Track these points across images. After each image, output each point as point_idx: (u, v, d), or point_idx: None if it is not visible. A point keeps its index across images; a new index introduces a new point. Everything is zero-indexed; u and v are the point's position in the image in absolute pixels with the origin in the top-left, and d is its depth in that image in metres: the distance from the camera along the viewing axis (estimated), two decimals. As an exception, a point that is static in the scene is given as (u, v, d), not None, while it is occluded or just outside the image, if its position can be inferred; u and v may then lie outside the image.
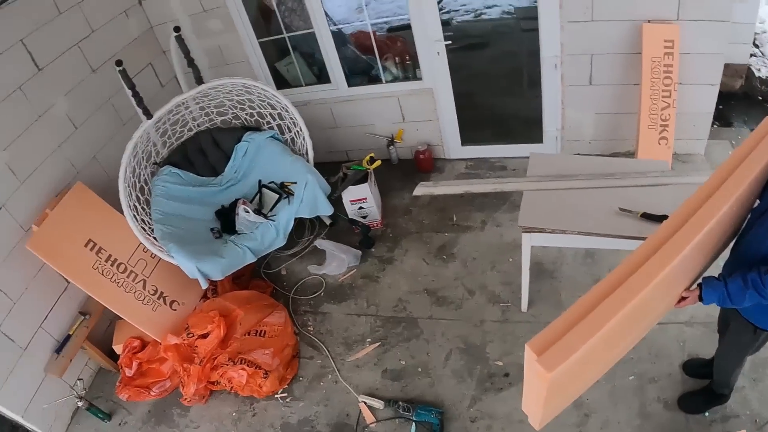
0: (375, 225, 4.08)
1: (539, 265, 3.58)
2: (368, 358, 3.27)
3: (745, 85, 4.95)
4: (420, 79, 4.23)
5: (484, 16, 6.34)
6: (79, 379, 3.54)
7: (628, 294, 1.41)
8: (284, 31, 4.27)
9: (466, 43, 5.55)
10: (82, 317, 3.58)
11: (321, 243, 3.93)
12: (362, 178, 3.92)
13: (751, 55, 4.97)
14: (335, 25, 4.32)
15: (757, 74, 4.91)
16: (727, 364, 2.52)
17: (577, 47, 3.75)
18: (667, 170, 3.04)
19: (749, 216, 2.03)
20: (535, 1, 3.67)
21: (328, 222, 4.10)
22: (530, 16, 3.98)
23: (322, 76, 4.51)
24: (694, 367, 2.96)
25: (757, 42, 5.11)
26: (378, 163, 4.02)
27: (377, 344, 3.32)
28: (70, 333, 3.51)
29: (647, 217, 2.59)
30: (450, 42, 3.97)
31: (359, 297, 3.64)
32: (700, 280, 2.00)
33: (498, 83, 5.18)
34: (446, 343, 3.23)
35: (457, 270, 3.65)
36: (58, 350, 3.43)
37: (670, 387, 2.84)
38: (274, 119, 4.04)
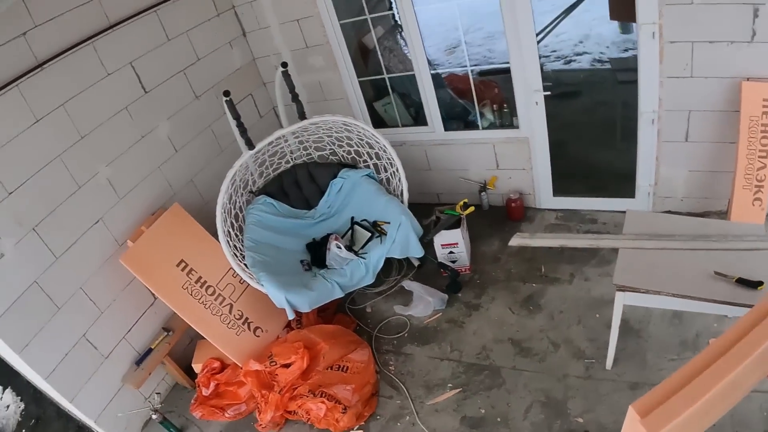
0: (463, 270, 4.34)
1: (626, 322, 3.78)
2: (448, 403, 3.43)
3: None
4: (517, 127, 4.52)
5: (574, 64, 6.76)
6: (156, 393, 4.05)
7: (732, 363, 1.47)
8: (384, 72, 4.78)
9: (560, 92, 5.91)
10: (165, 333, 4.16)
11: (409, 284, 4.21)
12: (455, 224, 4.19)
13: None
14: (432, 67, 4.82)
15: None
16: None
17: (675, 103, 3.99)
18: (763, 234, 3.15)
19: None
20: (634, 53, 3.95)
21: (416, 263, 4.51)
22: (626, 67, 4.31)
23: (418, 118, 4.96)
24: None
25: None
26: (471, 209, 4.35)
27: (458, 390, 3.48)
28: (152, 347, 4.09)
29: (742, 282, 2.68)
30: (549, 92, 4.30)
31: (443, 341, 3.86)
32: None
33: (591, 134, 5.49)
34: (528, 395, 3.36)
35: (543, 322, 3.82)
36: (138, 362, 3.99)
37: None
38: (371, 158, 4.50)
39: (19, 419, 4.02)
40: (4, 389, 4.13)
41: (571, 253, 4.40)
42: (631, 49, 6.15)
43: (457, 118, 4.91)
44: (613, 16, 5.17)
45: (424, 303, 4.12)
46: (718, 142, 4.07)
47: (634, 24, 3.90)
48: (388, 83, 4.80)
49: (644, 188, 4.49)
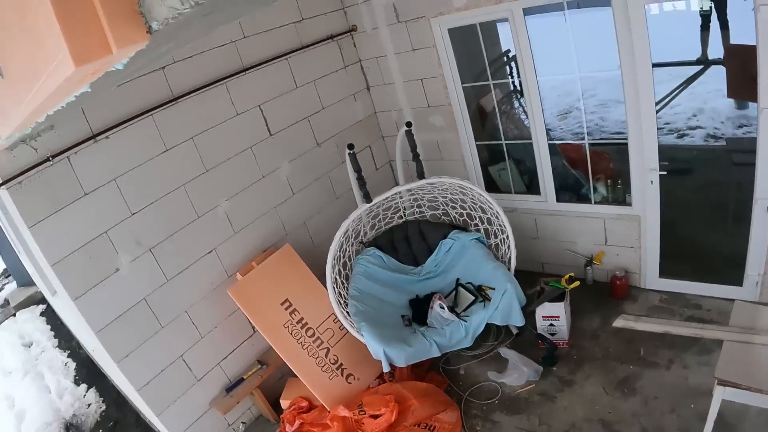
0: (561, 344, 4.55)
1: (720, 417, 3.78)
2: None
3: None
4: (629, 204, 4.74)
5: (687, 138, 6.96)
6: (242, 422, 4.63)
7: None
8: (502, 137, 5.19)
9: (671, 167, 6.11)
10: (259, 366, 4.66)
11: (505, 351, 4.45)
12: (559, 297, 4.45)
13: None
14: (549, 137, 5.14)
15: None
16: None
17: None
18: None
19: None
20: (749, 131, 4.17)
21: (515, 331, 4.78)
22: (742, 148, 4.50)
23: (531, 186, 5.32)
24: None
25: None
26: (576, 283, 4.57)
27: None
28: (244, 377, 4.58)
29: None
30: (665, 172, 4.53)
31: (532, 413, 4.02)
32: None
33: (702, 215, 5.67)
34: None
35: (636, 407, 3.89)
36: (229, 389, 4.50)
37: None
38: (483, 222, 4.86)
39: (98, 419, 4.64)
40: (89, 388, 4.83)
41: (672, 339, 4.52)
42: (746, 125, 6.33)
43: (569, 189, 5.20)
44: (731, 94, 5.32)
45: (519, 372, 4.36)
46: None
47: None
48: (504, 148, 5.19)
49: (753, 277, 4.59)
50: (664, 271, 5.06)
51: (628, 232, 4.96)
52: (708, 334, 3.63)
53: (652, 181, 4.60)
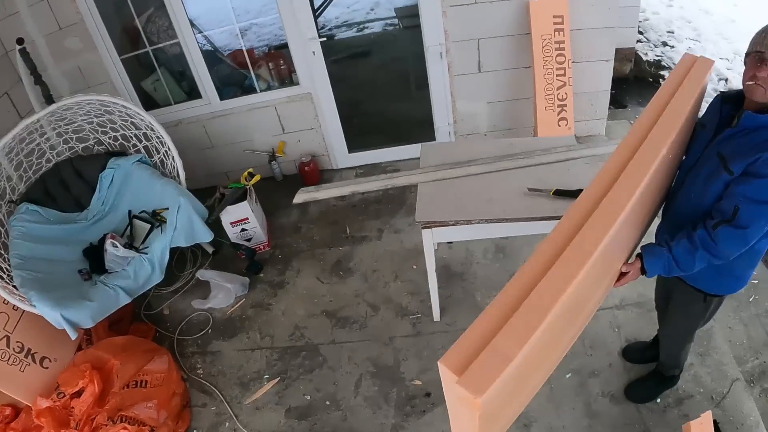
0: (262, 248, 4.52)
1: (447, 268, 4.04)
2: (268, 397, 3.50)
3: (634, 69, 6.28)
4: (297, 84, 4.78)
5: (367, 31, 7.47)
6: None
7: (560, 283, 1.42)
8: (147, 45, 4.76)
9: (349, 53, 6.52)
10: None
11: (203, 273, 4.22)
12: (241, 196, 4.31)
13: (637, 41, 6.29)
14: (213, 49, 4.96)
15: (644, 58, 6.31)
16: (676, 341, 2.77)
17: (462, 33, 4.34)
18: (574, 144, 3.35)
19: (678, 173, 2.29)
20: None
21: (210, 251, 4.57)
22: (413, 13, 4.67)
23: (192, 93, 5.02)
24: (635, 353, 3.35)
25: (641, 29, 6.50)
26: (257, 177, 4.46)
27: (276, 380, 3.58)
28: None
29: (561, 194, 2.85)
30: (325, 38, 4.51)
31: (251, 329, 3.97)
32: (638, 250, 2.18)
33: (385, 89, 6.00)
34: (354, 368, 3.52)
35: (357, 285, 4.06)
36: None
37: (614, 378, 3.18)
38: (140, 141, 4.46)
39: None
40: None
41: (375, 208, 4.65)
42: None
43: (232, 84, 5.06)
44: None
45: (224, 291, 4.20)
46: (513, 68, 4.48)
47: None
48: (153, 58, 4.82)
49: (444, 128, 4.88)
50: (354, 146, 5.12)
51: (303, 114, 4.95)
52: (399, 181, 3.58)
53: (314, 52, 4.56)
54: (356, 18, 7.66)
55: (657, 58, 6.63)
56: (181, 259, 4.62)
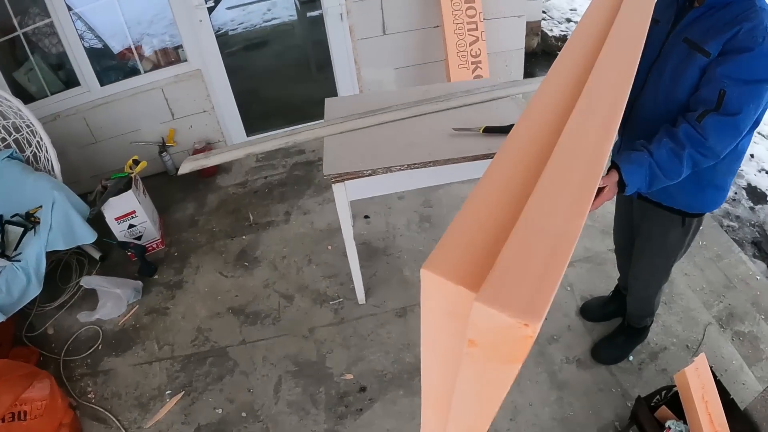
0: (155, 246, 4.12)
1: (367, 245, 3.80)
2: (173, 416, 3.09)
3: (542, 44, 6.51)
4: (184, 60, 4.44)
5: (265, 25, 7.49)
6: None
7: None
8: (17, 28, 4.24)
9: (246, 45, 6.55)
10: None
11: (88, 281, 3.75)
12: (125, 186, 3.88)
13: (542, 20, 6.62)
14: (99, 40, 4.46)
15: (550, 34, 6.61)
16: (651, 283, 2.62)
17: None
18: (498, 83, 3.18)
19: (636, 77, 2.17)
20: None
21: (97, 256, 4.07)
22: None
23: (70, 82, 4.51)
24: (594, 310, 3.17)
25: (543, 9, 6.85)
26: (144, 164, 4.04)
27: (180, 395, 3.18)
28: None
29: (491, 131, 2.69)
30: (212, 3, 4.22)
31: (147, 339, 3.54)
32: (610, 164, 1.90)
33: (284, 75, 5.91)
34: (271, 369, 3.19)
35: (266, 275, 3.78)
36: None
37: (576, 341, 3.05)
38: (9, 133, 3.96)
39: None
40: None
41: (280, 191, 4.39)
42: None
43: (115, 68, 4.60)
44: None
45: (114, 299, 3.76)
46: (421, 28, 4.27)
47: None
48: (25, 44, 4.32)
49: None
50: (253, 129, 4.81)
51: (194, 95, 4.60)
52: (301, 137, 3.26)
53: (201, 20, 4.23)
54: (252, 20, 7.63)
55: (562, 33, 6.86)
56: (66, 269, 4.14)
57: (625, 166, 1.82)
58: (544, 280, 0.59)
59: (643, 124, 2.04)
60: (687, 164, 1.81)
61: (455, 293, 0.61)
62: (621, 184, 1.83)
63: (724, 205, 4.50)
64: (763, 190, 4.74)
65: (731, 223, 4.38)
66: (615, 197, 1.96)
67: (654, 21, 1.99)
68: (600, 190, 1.79)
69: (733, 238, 4.01)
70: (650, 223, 2.38)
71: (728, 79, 1.73)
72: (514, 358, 0.62)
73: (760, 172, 4.94)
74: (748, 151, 4.92)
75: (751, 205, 4.56)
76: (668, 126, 1.84)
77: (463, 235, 0.72)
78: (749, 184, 4.79)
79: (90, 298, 3.92)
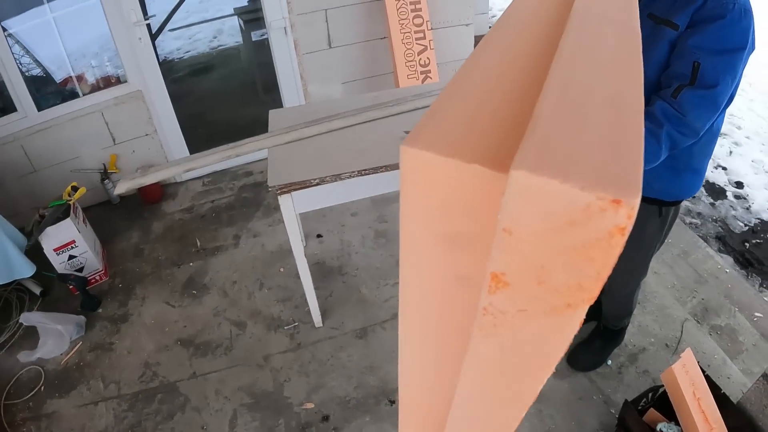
0: (98, 278, 3.95)
1: (321, 265, 3.72)
2: None
3: None
4: (125, 81, 4.29)
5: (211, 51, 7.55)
6: None
7: None
8: None
9: (191, 71, 6.60)
10: None
11: (27, 318, 3.59)
12: (63, 214, 3.73)
13: None
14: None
15: None
16: (629, 281, 2.56)
17: (308, 3, 4.06)
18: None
19: None
20: None
21: (38, 291, 3.92)
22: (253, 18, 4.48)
23: (6, 108, 4.35)
24: None
25: (490, 25, 7.06)
26: (83, 190, 3.90)
27: None
28: None
29: None
30: (154, 15, 4.15)
31: (92, 378, 3.37)
32: None
33: (230, 98, 5.97)
34: (225, 403, 3.05)
35: (215, 303, 3.66)
36: None
37: None
38: None
39: None
40: None
41: (229, 214, 4.30)
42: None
43: (53, 93, 4.48)
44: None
45: (55, 336, 3.60)
46: (368, 40, 4.21)
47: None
48: None
49: None
50: (198, 151, 4.56)
51: (135, 117, 4.47)
52: (244, 149, 3.15)
53: (141, 38, 4.12)
54: (199, 48, 7.70)
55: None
56: (6, 306, 3.95)
57: None
58: (622, 136, 0.36)
59: None
60: (665, 144, 1.73)
61: (468, 180, 0.36)
62: None
63: (686, 203, 4.56)
64: (721, 185, 4.84)
65: (693, 220, 4.45)
66: None
67: None
68: None
69: (697, 235, 4.08)
70: None
71: (701, 51, 1.68)
72: (581, 292, 0.35)
73: (716, 168, 5.04)
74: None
75: (711, 201, 4.66)
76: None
77: (469, 94, 0.45)
78: (707, 181, 4.88)
79: (31, 336, 3.74)
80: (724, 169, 5.10)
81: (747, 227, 4.45)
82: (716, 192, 4.78)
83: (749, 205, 4.68)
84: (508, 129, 0.38)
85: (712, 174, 4.94)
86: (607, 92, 0.39)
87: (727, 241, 4.22)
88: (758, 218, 4.53)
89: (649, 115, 1.72)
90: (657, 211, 2.19)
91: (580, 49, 0.46)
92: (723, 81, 1.67)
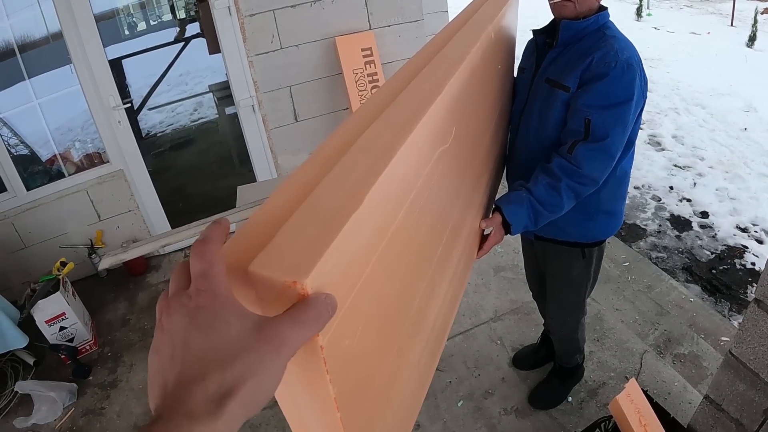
0: (88, 348, 4.15)
1: None
2: None
3: None
4: (107, 161, 4.56)
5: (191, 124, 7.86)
6: None
7: None
8: None
9: (174, 143, 6.90)
10: None
11: (22, 386, 3.78)
12: (53, 288, 3.95)
13: None
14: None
15: None
16: (567, 320, 2.64)
17: (272, 82, 4.26)
18: None
19: (510, 123, 2.21)
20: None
21: (31, 361, 4.13)
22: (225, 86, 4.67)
23: None
24: (526, 358, 3.20)
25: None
26: (71, 265, 4.13)
27: None
28: None
29: None
30: (130, 103, 4.35)
31: None
32: (494, 205, 1.88)
33: (208, 171, 6.22)
34: None
35: None
36: None
37: (512, 392, 3.06)
38: None
39: None
40: None
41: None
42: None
43: (40, 173, 4.76)
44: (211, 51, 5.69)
45: (48, 403, 3.78)
46: (331, 112, 4.44)
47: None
48: None
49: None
50: (179, 224, 4.51)
51: (118, 195, 4.70)
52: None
53: (120, 122, 4.37)
54: (181, 120, 7.98)
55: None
56: (1, 376, 4.14)
57: (505, 207, 1.82)
58: (314, 244, 0.60)
59: (522, 167, 2.10)
60: (567, 196, 1.84)
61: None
62: (506, 225, 1.82)
63: (651, 239, 4.75)
64: (686, 217, 5.03)
65: (660, 254, 4.61)
66: (521, 243, 2.15)
67: (521, 70, 2.16)
68: (486, 236, 1.82)
69: (663, 268, 4.19)
70: (553, 261, 2.45)
71: (590, 108, 1.82)
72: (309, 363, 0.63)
73: (681, 201, 5.24)
74: (667, 184, 5.34)
75: (677, 233, 4.84)
76: (543, 163, 1.89)
77: (254, 225, 0.72)
78: (672, 214, 5.07)
79: (25, 403, 3.90)
80: (689, 201, 5.28)
81: (714, 254, 4.59)
82: (681, 224, 4.96)
83: (715, 233, 4.84)
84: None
85: (677, 207, 5.15)
86: (333, 206, 0.68)
87: (694, 270, 4.37)
88: (724, 245, 4.68)
89: (548, 171, 1.84)
90: (580, 253, 2.29)
91: (338, 174, 0.78)
92: (613, 132, 1.81)
